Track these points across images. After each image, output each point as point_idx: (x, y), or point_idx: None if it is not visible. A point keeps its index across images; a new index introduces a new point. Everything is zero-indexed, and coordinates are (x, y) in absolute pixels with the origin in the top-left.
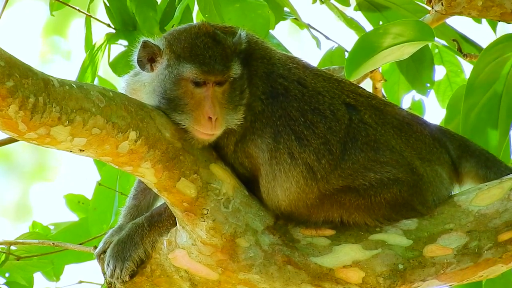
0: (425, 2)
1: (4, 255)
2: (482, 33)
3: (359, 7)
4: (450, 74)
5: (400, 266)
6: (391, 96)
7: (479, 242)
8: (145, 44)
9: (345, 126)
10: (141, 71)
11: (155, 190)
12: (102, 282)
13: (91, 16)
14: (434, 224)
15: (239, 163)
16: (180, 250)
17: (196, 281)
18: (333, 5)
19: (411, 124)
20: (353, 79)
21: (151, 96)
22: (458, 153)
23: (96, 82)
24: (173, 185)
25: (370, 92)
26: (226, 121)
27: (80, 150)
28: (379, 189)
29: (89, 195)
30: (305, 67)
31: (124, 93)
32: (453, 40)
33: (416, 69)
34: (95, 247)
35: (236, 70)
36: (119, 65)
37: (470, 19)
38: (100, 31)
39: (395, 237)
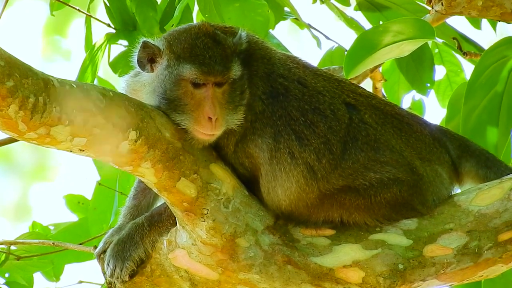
0: (425, 2)
1: (4, 255)
2: (482, 33)
3: (359, 7)
4: (450, 74)
5: (400, 266)
6: (391, 96)
7: (479, 242)
8: (145, 45)
9: (346, 125)
10: (141, 71)
11: (155, 190)
12: (102, 282)
13: (91, 16)
14: (434, 224)
15: (239, 163)
16: (180, 250)
17: (196, 281)
18: (333, 5)
19: (411, 124)
20: (352, 77)
21: (151, 96)
22: (458, 153)
23: (95, 83)
24: (173, 185)
25: (370, 92)
26: (226, 121)
27: (80, 150)
28: (379, 189)
29: (89, 195)
30: (305, 67)
31: (124, 93)
32: (453, 38)
33: (416, 69)
34: (95, 247)
35: (236, 70)
36: (119, 65)
37: (470, 23)
38: (100, 31)
39: (395, 237)
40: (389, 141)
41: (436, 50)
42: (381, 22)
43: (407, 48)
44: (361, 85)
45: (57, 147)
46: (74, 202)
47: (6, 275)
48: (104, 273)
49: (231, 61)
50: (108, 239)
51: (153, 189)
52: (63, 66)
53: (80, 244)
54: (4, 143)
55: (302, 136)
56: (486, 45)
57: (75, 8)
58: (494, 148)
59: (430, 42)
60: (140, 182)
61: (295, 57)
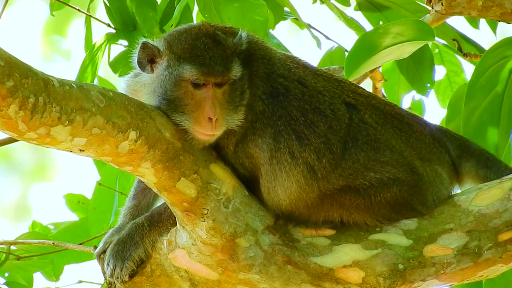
0: (425, 2)
1: (4, 255)
2: (482, 33)
3: (359, 7)
4: (450, 74)
5: (400, 266)
6: (391, 96)
7: (479, 242)
8: (145, 45)
9: (346, 125)
10: (141, 72)
11: (155, 190)
12: (102, 282)
13: (91, 16)
14: (434, 224)
15: (239, 163)
16: (180, 250)
17: (196, 281)
18: (333, 5)
19: (411, 124)
20: (352, 79)
21: (151, 97)
22: (458, 153)
23: (95, 82)
24: (173, 185)
25: (370, 92)
26: (226, 121)
27: (80, 150)
28: (379, 189)
29: (89, 195)
30: (305, 66)
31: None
32: (453, 39)
33: (416, 69)
34: (95, 247)
35: (236, 71)
36: (119, 65)
37: (469, 23)
38: (100, 31)
39: (395, 237)
40: (389, 141)
41: (436, 50)
42: (381, 22)
43: (407, 49)
44: (361, 85)
45: (57, 147)
46: (74, 201)
47: (6, 275)
48: (104, 273)
49: (231, 62)
50: (108, 239)
51: (153, 189)
52: (63, 66)
53: (80, 244)
54: (4, 143)
55: (302, 136)
56: (486, 45)
57: (75, 8)
58: (495, 149)
59: (430, 43)
60: (140, 182)
61: (295, 57)
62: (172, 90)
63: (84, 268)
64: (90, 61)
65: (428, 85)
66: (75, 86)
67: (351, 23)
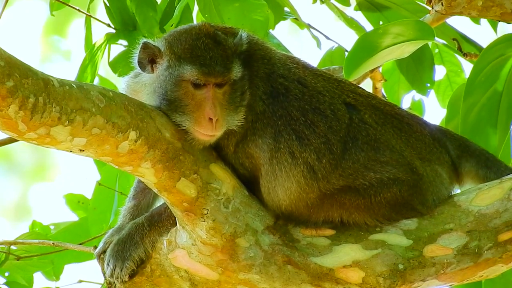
0: (425, 2)
1: (4, 255)
2: (482, 33)
3: (359, 7)
4: (450, 74)
5: (400, 266)
6: (391, 96)
7: (479, 242)
8: (145, 46)
9: (346, 125)
10: (142, 72)
11: (155, 190)
12: (102, 282)
13: (91, 16)
14: (434, 224)
15: (239, 164)
16: (180, 250)
17: (196, 281)
18: (333, 5)
19: (411, 124)
20: (352, 79)
21: (151, 97)
22: (458, 153)
23: (96, 81)
24: (173, 185)
25: (369, 92)
26: (226, 122)
27: (80, 150)
28: (379, 189)
29: (89, 195)
30: (305, 67)
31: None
32: (453, 39)
33: (416, 69)
34: (95, 247)
35: (236, 71)
36: (119, 65)
37: (470, 19)
38: (100, 31)
39: (395, 237)
40: (389, 141)
41: (436, 50)
42: (381, 22)
43: (407, 49)
44: (361, 85)
45: (57, 147)
46: (74, 201)
47: (6, 274)
48: (104, 273)
49: (231, 62)
50: (108, 239)
51: (153, 189)
52: (63, 66)
53: (80, 244)
54: (4, 143)
55: (302, 136)
56: (486, 45)
57: (75, 8)
58: (493, 146)
59: (430, 43)
60: (140, 182)
61: (295, 57)
62: (173, 91)
63: (84, 268)
64: (90, 61)
65: (428, 85)
66: (75, 86)
67: (351, 23)
